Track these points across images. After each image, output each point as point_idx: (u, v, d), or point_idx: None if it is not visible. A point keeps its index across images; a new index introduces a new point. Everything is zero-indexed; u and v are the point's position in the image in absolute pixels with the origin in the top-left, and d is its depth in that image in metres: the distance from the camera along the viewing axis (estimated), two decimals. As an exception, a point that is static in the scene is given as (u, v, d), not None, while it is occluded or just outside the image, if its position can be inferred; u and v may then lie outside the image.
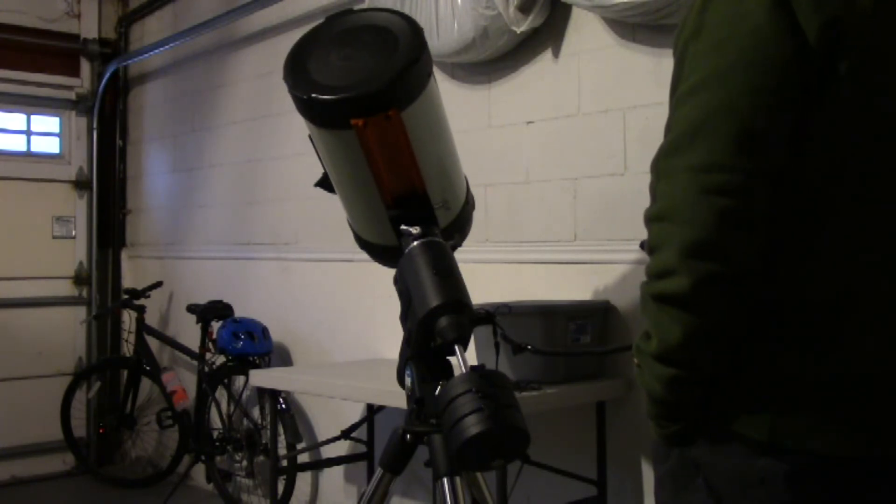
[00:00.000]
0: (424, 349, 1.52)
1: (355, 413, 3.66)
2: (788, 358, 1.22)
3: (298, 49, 1.64)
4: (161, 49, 5.11)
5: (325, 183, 1.78)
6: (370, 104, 1.51)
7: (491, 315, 1.61)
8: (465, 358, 1.45)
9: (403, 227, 1.62)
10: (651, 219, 1.24)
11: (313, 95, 1.54)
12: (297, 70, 1.60)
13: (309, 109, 1.58)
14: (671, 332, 1.21)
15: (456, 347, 1.45)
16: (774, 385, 1.22)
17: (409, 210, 1.63)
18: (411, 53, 1.54)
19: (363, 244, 1.85)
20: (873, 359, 1.22)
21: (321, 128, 1.60)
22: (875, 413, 1.21)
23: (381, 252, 1.77)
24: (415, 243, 1.59)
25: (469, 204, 1.86)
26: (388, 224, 1.66)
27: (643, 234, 1.28)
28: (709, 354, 1.23)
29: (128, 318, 5.07)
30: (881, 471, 1.22)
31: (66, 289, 5.46)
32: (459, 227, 1.78)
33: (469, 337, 1.49)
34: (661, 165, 1.24)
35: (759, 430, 1.21)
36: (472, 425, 1.32)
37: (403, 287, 1.57)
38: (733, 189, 1.16)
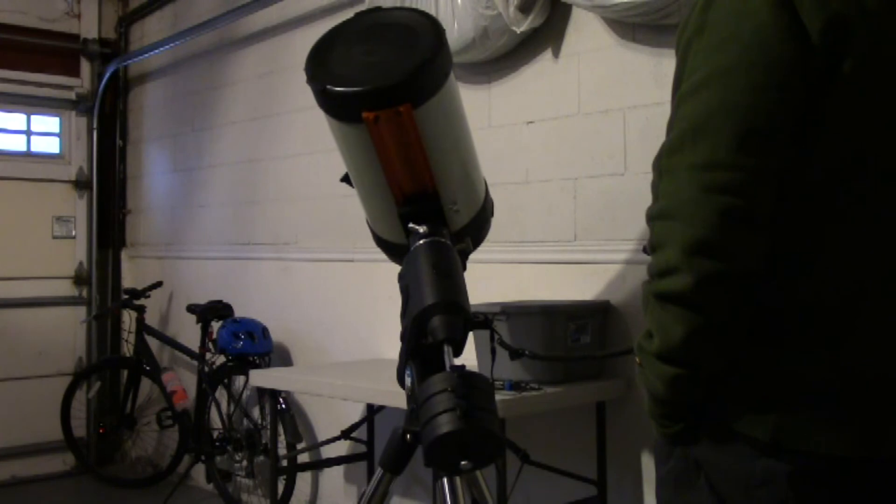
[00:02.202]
0: (416, 347, 1.52)
1: (355, 413, 3.66)
2: (792, 358, 1.22)
3: (323, 41, 1.67)
4: (161, 49, 5.11)
5: (348, 178, 1.80)
6: (381, 98, 1.52)
7: (488, 320, 1.61)
8: (452, 359, 1.45)
9: (411, 224, 1.63)
10: (653, 217, 1.24)
11: (328, 87, 1.56)
12: (318, 61, 1.62)
13: (324, 100, 1.60)
14: (673, 330, 1.21)
15: (445, 347, 1.45)
16: (777, 385, 1.22)
17: (419, 208, 1.64)
18: (427, 52, 1.55)
19: (377, 240, 1.86)
20: (878, 359, 1.21)
21: (336, 120, 1.62)
22: (879, 414, 1.21)
23: (394, 249, 1.78)
24: (420, 242, 1.59)
25: (486, 209, 1.87)
26: (399, 221, 1.67)
27: (643, 234, 1.28)
28: (711, 353, 1.23)
29: (128, 318, 5.07)
30: (885, 472, 1.22)
31: (66, 289, 5.46)
32: (473, 231, 1.78)
33: (461, 339, 1.49)
34: (664, 163, 1.24)
35: (762, 430, 1.21)
36: (443, 424, 1.32)
37: (404, 284, 1.58)
38: (736, 187, 1.16)
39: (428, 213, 1.65)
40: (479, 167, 1.84)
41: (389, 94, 1.52)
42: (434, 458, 1.35)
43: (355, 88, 1.54)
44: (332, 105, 1.59)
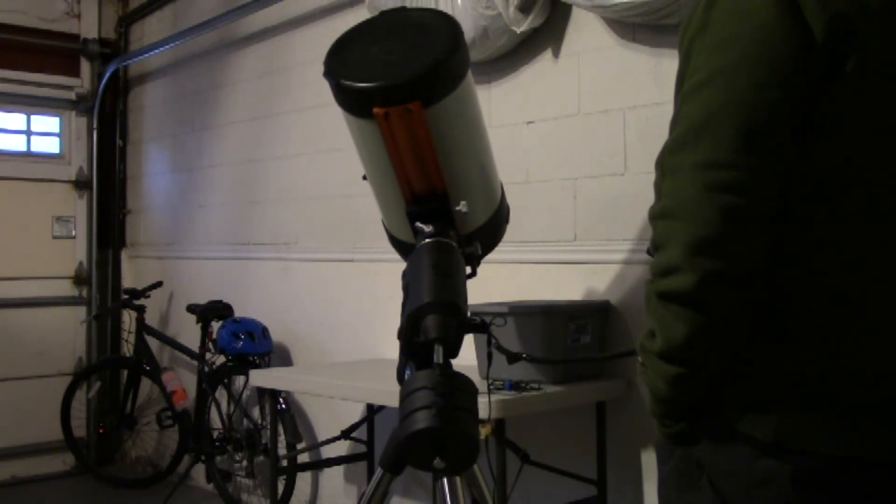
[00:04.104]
0: (411, 345, 1.52)
1: (355, 413, 3.66)
2: (794, 357, 1.21)
3: (344, 38, 1.70)
4: (161, 49, 5.11)
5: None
6: (392, 95, 1.54)
7: (486, 324, 1.61)
8: (441, 358, 1.45)
9: (418, 224, 1.65)
10: (656, 216, 1.24)
11: (342, 81, 1.58)
12: (337, 57, 1.65)
13: (338, 94, 1.63)
14: (676, 329, 1.21)
15: (436, 347, 1.45)
16: (779, 385, 1.22)
17: (427, 208, 1.66)
18: (441, 53, 1.57)
19: (391, 239, 1.88)
20: (881, 358, 1.21)
21: (350, 114, 1.65)
22: (880, 415, 1.21)
23: (406, 249, 1.79)
24: (425, 241, 1.61)
25: (500, 215, 1.87)
26: (407, 219, 1.68)
27: (644, 234, 1.28)
28: (713, 352, 1.22)
29: (128, 318, 5.07)
30: (886, 473, 1.21)
31: (66, 289, 5.46)
32: (484, 236, 1.79)
33: (454, 340, 1.48)
34: (666, 162, 1.24)
35: (764, 430, 1.21)
36: (419, 420, 1.32)
37: (405, 282, 1.59)
38: (738, 186, 1.16)
39: (436, 213, 1.66)
40: (496, 172, 1.85)
41: (400, 92, 1.54)
42: (408, 454, 1.36)
43: (368, 84, 1.56)
44: (346, 99, 1.62)
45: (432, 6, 3.17)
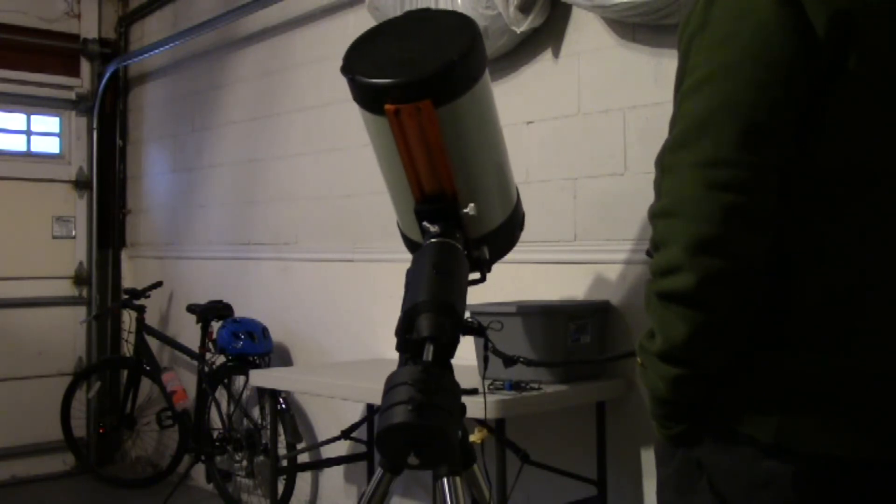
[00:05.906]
0: (405, 342, 1.53)
1: (355, 413, 3.65)
2: (795, 358, 1.21)
3: (366, 35, 1.72)
4: (161, 49, 5.11)
5: None
6: (403, 92, 1.56)
7: (483, 328, 1.62)
8: (430, 357, 1.45)
9: (425, 223, 1.65)
10: (656, 215, 1.23)
11: (356, 77, 1.60)
12: (355, 53, 1.68)
13: (353, 89, 1.65)
14: (676, 329, 1.20)
15: (427, 345, 1.45)
16: (781, 385, 1.21)
17: (436, 208, 1.67)
18: (454, 54, 1.59)
19: (404, 239, 1.89)
20: (881, 358, 1.20)
21: (363, 110, 1.67)
22: (882, 415, 1.20)
23: (417, 249, 1.80)
24: (430, 241, 1.61)
25: (514, 222, 1.87)
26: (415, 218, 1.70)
27: (644, 234, 1.28)
28: (714, 352, 1.22)
29: (128, 318, 5.07)
30: (888, 474, 1.21)
31: (66, 289, 5.46)
32: (495, 241, 1.79)
33: (446, 340, 1.48)
34: (667, 161, 1.23)
35: (765, 431, 1.20)
36: (395, 415, 1.34)
37: (407, 280, 1.59)
38: (739, 184, 1.15)
39: (444, 214, 1.66)
40: (511, 178, 1.85)
41: (411, 89, 1.56)
42: (382, 448, 1.37)
43: (381, 80, 1.58)
44: (361, 95, 1.65)
45: (431, 6, 3.17)
